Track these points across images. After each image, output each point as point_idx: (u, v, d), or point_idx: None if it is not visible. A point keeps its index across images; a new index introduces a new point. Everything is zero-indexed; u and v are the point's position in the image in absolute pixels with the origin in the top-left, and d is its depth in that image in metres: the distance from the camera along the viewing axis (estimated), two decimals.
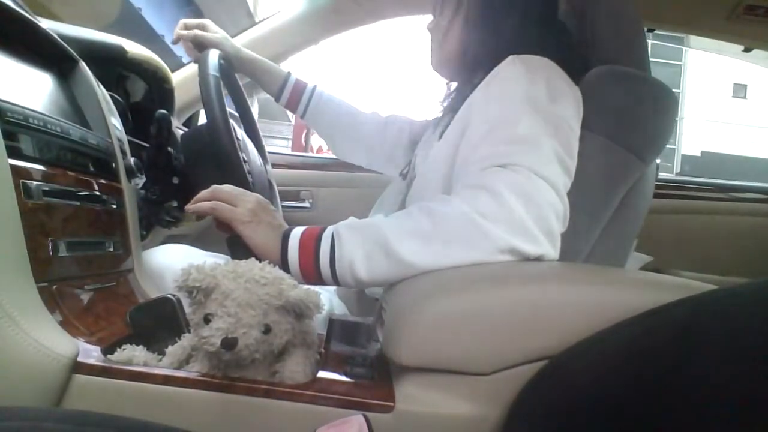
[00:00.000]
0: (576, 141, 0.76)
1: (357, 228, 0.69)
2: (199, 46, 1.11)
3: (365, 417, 0.46)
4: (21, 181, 0.61)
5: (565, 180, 0.73)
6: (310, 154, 4.67)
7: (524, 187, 0.67)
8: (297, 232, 0.70)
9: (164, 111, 1.00)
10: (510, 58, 0.80)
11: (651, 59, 0.90)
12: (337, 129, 1.24)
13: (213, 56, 0.99)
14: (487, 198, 0.66)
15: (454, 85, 1.04)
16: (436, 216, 0.66)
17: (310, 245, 0.68)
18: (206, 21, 1.15)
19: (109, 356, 0.60)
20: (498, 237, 0.64)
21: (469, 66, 0.90)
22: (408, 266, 0.65)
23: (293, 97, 1.20)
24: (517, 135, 0.71)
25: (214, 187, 0.74)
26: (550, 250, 0.68)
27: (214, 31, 1.14)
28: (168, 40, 1.14)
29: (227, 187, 0.74)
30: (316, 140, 6.98)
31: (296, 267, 0.68)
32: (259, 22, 1.64)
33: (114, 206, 0.82)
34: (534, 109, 0.73)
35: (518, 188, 0.66)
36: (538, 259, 0.67)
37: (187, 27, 1.13)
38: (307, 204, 1.79)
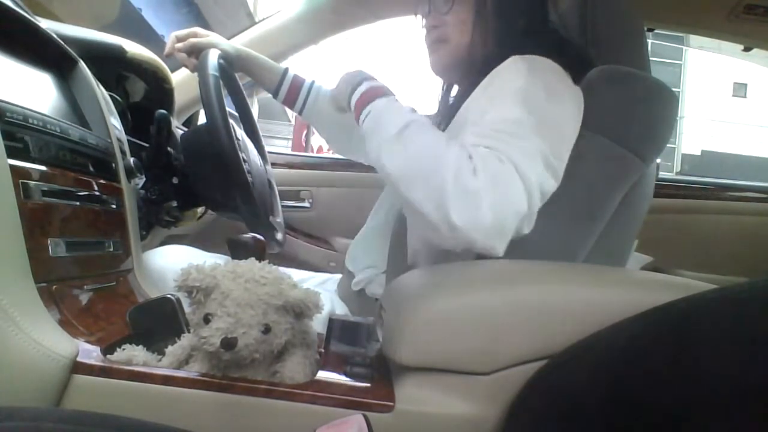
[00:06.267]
0: (567, 144, 0.76)
1: (389, 112, 0.76)
2: (196, 54, 1.10)
3: (365, 417, 0.46)
4: (20, 181, 0.61)
5: (547, 181, 0.72)
6: (310, 154, 4.68)
7: (501, 177, 0.66)
8: (366, 88, 0.80)
9: (164, 111, 1.00)
10: (512, 58, 0.80)
11: (651, 59, 0.90)
12: (335, 125, 1.23)
13: (213, 56, 0.99)
14: (468, 163, 0.66)
15: (453, 87, 1.04)
16: (430, 145, 0.70)
17: (362, 101, 0.79)
18: (195, 29, 1.14)
19: (108, 356, 0.60)
20: (447, 194, 0.64)
21: (470, 69, 0.90)
22: (382, 158, 0.72)
23: (291, 93, 1.19)
24: (508, 127, 0.71)
25: None
26: (490, 242, 0.66)
27: (205, 35, 1.13)
28: (168, 40, 1.14)
29: None
30: (316, 140, 6.99)
31: (351, 100, 0.81)
32: (259, 21, 1.64)
33: (113, 206, 0.82)
34: (528, 107, 0.73)
35: (495, 175, 0.66)
36: (468, 245, 0.66)
37: (179, 39, 1.12)
38: (307, 204, 1.79)
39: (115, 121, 0.93)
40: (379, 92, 0.79)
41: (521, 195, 0.67)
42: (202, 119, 1.54)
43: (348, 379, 0.60)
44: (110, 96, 0.98)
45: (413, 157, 0.70)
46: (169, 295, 0.69)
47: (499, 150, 0.68)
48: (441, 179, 0.65)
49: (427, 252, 0.89)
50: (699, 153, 22.23)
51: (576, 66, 0.85)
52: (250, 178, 0.97)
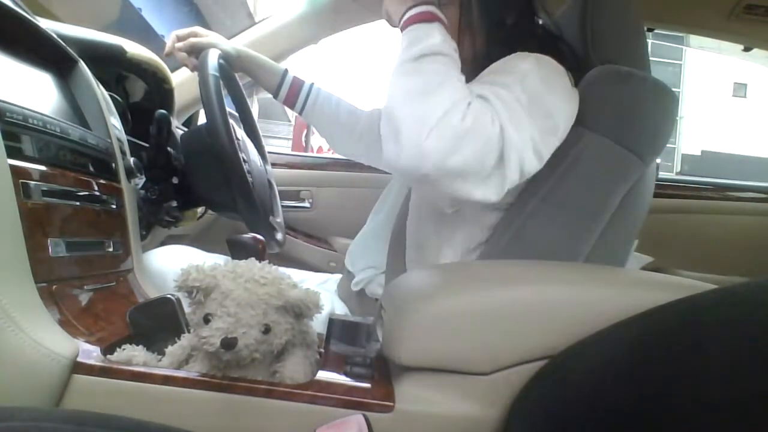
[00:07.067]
0: (556, 137, 0.77)
1: (431, 35, 0.75)
2: (196, 53, 1.10)
3: (365, 417, 0.46)
4: (20, 181, 0.61)
5: (530, 160, 0.73)
6: (310, 154, 4.68)
7: (483, 135, 0.68)
8: (424, 9, 0.77)
9: (164, 111, 0.99)
10: (518, 53, 0.80)
11: (651, 59, 0.90)
12: (335, 126, 1.24)
13: (213, 56, 0.99)
14: (464, 107, 0.68)
15: None
16: (441, 75, 0.70)
17: (412, 19, 0.77)
18: (196, 28, 1.14)
19: (108, 356, 0.60)
20: (430, 122, 0.66)
21: (470, 72, 0.90)
22: (395, 72, 0.73)
23: (291, 94, 1.20)
24: (508, 97, 0.72)
25: None
26: (446, 184, 0.68)
27: (206, 35, 1.13)
28: (168, 40, 1.14)
29: None
30: (316, 140, 7.00)
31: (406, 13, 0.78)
32: (259, 21, 1.64)
33: (113, 206, 0.82)
34: (527, 90, 0.74)
35: (479, 130, 0.67)
36: (423, 177, 0.68)
37: (179, 38, 1.12)
38: (307, 204, 1.79)
39: (115, 121, 0.93)
40: (434, 17, 0.78)
41: (492, 159, 0.69)
42: (202, 119, 1.54)
43: (348, 379, 0.60)
44: (110, 96, 0.98)
45: (421, 78, 0.71)
46: (169, 295, 0.69)
47: (496, 111, 0.70)
48: (433, 107, 0.67)
49: (425, 250, 0.89)
50: (699, 153, 22.22)
51: (573, 66, 0.85)
52: (250, 178, 0.97)
